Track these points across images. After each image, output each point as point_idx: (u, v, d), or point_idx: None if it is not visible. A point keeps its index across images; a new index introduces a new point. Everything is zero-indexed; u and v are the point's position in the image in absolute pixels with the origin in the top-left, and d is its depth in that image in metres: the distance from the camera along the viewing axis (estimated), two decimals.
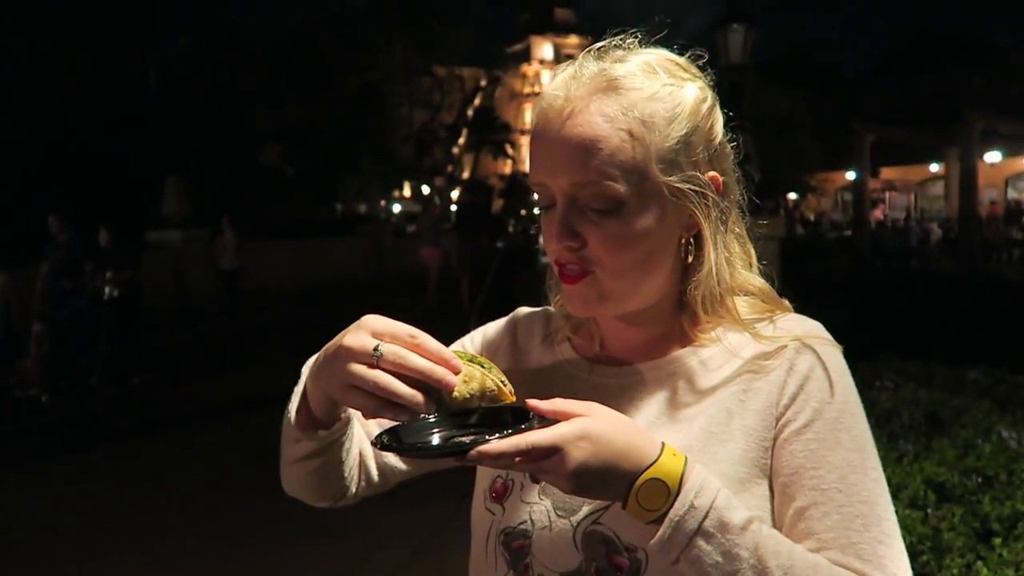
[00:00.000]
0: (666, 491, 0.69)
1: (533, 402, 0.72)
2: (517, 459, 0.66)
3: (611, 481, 0.69)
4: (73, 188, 14.12)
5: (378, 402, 0.69)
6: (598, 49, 0.83)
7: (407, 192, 35.58)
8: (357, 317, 0.74)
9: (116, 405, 7.00)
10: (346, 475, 0.91)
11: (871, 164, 20.50)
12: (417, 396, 0.68)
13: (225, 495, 4.57)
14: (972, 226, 16.52)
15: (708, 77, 0.86)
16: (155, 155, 15.24)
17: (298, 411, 0.83)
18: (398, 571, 3.66)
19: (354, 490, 0.95)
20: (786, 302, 0.91)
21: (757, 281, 0.90)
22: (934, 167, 27.96)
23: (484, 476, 0.92)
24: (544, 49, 57.46)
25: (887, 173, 30.41)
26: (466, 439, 0.68)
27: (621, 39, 0.84)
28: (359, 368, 0.69)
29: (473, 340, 1.03)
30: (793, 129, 26.20)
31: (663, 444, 0.72)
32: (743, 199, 0.89)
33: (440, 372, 0.69)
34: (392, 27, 25.96)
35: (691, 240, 0.84)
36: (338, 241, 18.79)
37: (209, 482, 4.85)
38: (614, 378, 0.88)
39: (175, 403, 7.09)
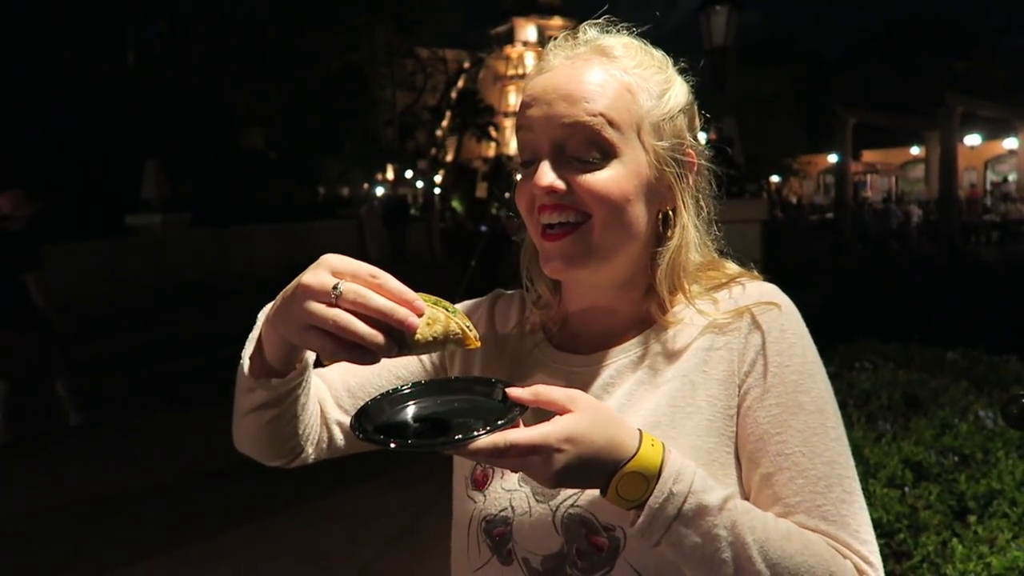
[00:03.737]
0: (645, 482, 0.70)
1: (515, 391, 0.70)
2: (497, 457, 0.65)
3: (591, 476, 0.69)
4: (50, 170, 13.88)
5: (336, 342, 0.65)
6: (592, 24, 0.88)
7: (390, 175, 35.32)
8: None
9: None
10: (301, 431, 0.88)
11: (853, 147, 20.64)
12: (378, 336, 0.64)
13: (206, 477, 4.56)
14: (951, 208, 16.70)
15: (691, 82, 0.90)
16: (134, 138, 15.00)
17: (252, 358, 0.80)
18: (381, 554, 3.67)
19: (311, 451, 0.92)
20: (752, 270, 0.93)
21: (727, 263, 0.92)
22: (915, 150, 28.18)
23: (463, 464, 0.91)
24: (528, 31, 57.03)
25: (869, 156, 30.64)
26: (443, 437, 0.66)
27: (611, 22, 0.88)
28: (317, 307, 0.65)
29: None
30: (776, 112, 26.24)
31: (641, 435, 0.72)
32: (715, 189, 0.92)
33: (402, 312, 0.65)
34: (374, 8, 25.64)
35: (668, 213, 0.87)
36: (321, 224, 18.65)
37: (190, 464, 4.83)
38: (583, 366, 0.89)
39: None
